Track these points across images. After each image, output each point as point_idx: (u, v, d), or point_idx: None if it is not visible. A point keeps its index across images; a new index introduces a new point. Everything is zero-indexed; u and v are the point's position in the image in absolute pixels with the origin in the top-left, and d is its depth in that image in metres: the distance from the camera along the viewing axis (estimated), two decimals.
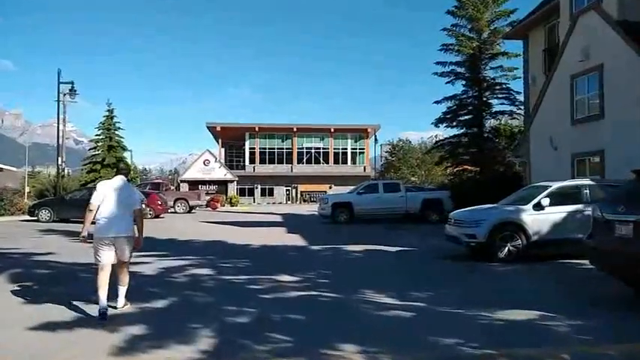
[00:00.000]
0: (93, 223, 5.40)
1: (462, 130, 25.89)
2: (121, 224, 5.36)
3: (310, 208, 41.42)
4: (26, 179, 65.74)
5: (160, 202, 23.79)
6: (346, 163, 65.11)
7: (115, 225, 5.31)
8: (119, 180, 5.57)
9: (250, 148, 63.47)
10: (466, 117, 25.58)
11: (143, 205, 7.28)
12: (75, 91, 25.70)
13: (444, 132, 34.69)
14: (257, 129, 63.18)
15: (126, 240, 5.41)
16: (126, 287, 5.62)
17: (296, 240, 13.85)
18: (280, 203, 59.50)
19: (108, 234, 5.30)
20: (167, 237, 14.25)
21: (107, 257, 5.36)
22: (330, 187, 62.91)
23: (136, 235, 5.57)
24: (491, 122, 26.08)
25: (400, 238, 14.29)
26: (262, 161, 63.34)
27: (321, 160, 64.70)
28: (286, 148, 64.48)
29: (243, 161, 63.96)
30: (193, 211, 31.21)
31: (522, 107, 23.30)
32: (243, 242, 13.03)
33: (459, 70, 25.52)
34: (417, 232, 16.53)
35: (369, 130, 64.40)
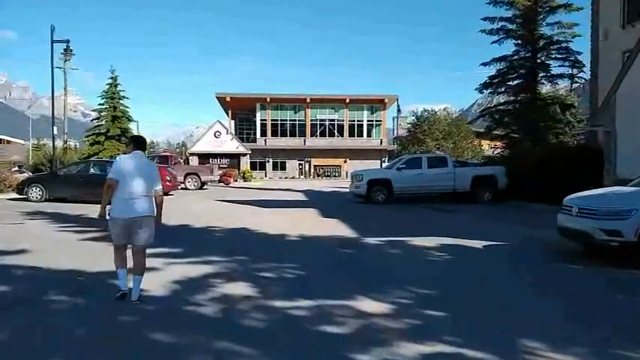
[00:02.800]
0: None
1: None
2: (141, 205, 4.77)
3: (328, 184, 38.66)
4: (30, 152, 63.52)
5: (169, 178, 20.99)
6: (362, 135, 61.92)
7: (136, 205, 4.74)
8: (139, 156, 4.96)
9: (261, 120, 60.34)
10: (516, 81, 22.28)
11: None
12: (71, 50, 22.66)
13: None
14: (268, 100, 59.89)
15: (144, 221, 4.79)
16: (142, 277, 4.88)
17: (339, 228, 11.02)
18: (293, 178, 56.80)
19: (124, 215, 4.73)
20: (179, 222, 11.47)
21: (122, 238, 4.85)
22: (345, 162, 60.00)
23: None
24: (547, 87, 22.75)
25: (469, 226, 11.54)
26: (274, 133, 60.26)
27: (336, 133, 61.53)
28: (299, 120, 61.31)
29: (254, 133, 60.95)
30: (205, 187, 28.48)
31: (588, 68, 20.10)
32: (275, 231, 10.22)
33: (510, 26, 22.06)
34: (479, 216, 13.80)
35: (386, 100, 60.93)
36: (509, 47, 22.33)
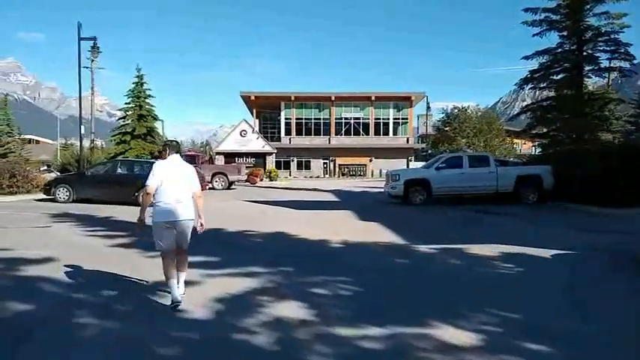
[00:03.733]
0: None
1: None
2: (183, 208, 4.83)
3: (355, 183, 37.79)
4: (58, 152, 64.44)
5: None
6: (387, 134, 60.69)
7: (178, 209, 4.78)
8: (176, 159, 5.04)
9: (286, 119, 59.78)
10: (560, 75, 20.99)
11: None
12: (98, 48, 22.35)
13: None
14: (293, 98, 59.27)
15: (188, 224, 4.91)
16: (186, 272, 5.10)
17: (383, 233, 10.18)
18: (317, 177, 56.07)
19: (169, 218, 4.75)
20: (211, 226, 10.65)
21: (169, 243, 4.81)
22: (370, 160, 59.00)
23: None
24: (594, 82, 21.39)
25: (522, 231, 10.69)
26: (298, 132, 59.61)
27: (361, 131, 60.53)
28: (324, 119, 60.51)
29: (279, 132, 60.43)
30: (233, 186, 27.96)
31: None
32: (315, 237, 9.45)
33: (553, 17, 20.79)
34: (528, 219, 12.94)
35: (412, 98, 59.58)
36: (552, 40, 21.14)
